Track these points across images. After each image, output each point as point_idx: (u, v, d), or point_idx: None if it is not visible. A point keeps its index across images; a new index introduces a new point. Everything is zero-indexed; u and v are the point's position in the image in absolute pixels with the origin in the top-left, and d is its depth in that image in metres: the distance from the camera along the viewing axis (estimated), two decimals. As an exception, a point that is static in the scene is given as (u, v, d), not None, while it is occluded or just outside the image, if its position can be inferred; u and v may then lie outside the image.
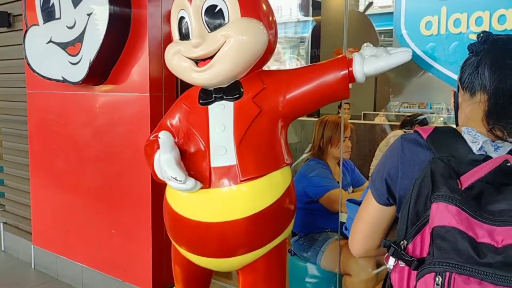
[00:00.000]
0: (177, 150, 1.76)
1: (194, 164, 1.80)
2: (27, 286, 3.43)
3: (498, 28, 1.67)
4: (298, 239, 2.67)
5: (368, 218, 1.06)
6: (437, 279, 0.80)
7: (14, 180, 3.95)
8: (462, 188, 0.83)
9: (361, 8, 7.58)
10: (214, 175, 1.78)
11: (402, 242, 0.89)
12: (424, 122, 3.86)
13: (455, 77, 1.82)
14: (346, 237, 2.54)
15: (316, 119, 3.12)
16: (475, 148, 0.90)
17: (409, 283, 0.88)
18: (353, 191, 2.73)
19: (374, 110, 6.59)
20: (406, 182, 0.95)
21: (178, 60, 1.85)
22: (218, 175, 1.78)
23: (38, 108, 3.42)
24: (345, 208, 2.39)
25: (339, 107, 4.37)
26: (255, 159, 1.79)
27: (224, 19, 1.77)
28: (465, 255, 0.78)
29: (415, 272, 0.87)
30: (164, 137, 1.69)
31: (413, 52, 1.79)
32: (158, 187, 2.72)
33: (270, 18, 1.88)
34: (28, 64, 3.04)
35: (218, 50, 1.75)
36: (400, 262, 0.89)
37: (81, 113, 3.10)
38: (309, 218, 2.62)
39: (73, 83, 2.80)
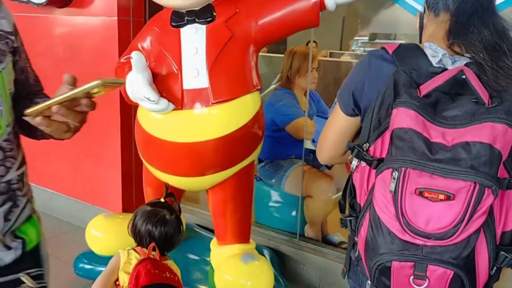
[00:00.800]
0: (149, 71, 1.78)
1: (166, 86, 1.83)
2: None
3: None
4: (264, 165, 2.79)
5: (335, 128, 1.16)
6: (394, 174, 0.91)
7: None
8: (421, 96, 0.93)
9: None
10: (186, 97, 1.82)
11: (364, 145, 1.00)
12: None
13: (420, 7, 1.91)
14: (309, 163, 2.69)
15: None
16: (434, 61, 0.99)
17: (369, 180, 1.00)
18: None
19: (340, 50, 6.69)
20: (371, 94, 1.04)
21: (150, -20, 1.83)
22: (190, 97, 1.83)
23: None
24: (310, 135, 2.52)
25: (307, 44, 4.42)
26: (226, 82, 1.85)
27: None
28: (419, 152, 0.89)
29: (374, 171, 0.98)
30: (136, 57, 1.70)
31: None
32: (127, 111, 2.74)
33: None
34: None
35: (191, -30, 1.74)
36: (361, 162, 1.00)
37: (43, 37, 3.01)
38: (275, 145, 2.73)
39: (37, 4, 2.71)
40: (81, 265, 2.40)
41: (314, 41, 4.24)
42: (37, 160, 3.28)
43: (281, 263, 2.52)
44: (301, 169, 2.63)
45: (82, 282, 2.44)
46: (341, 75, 4.57)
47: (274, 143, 2.72)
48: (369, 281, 1.00)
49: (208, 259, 2.32)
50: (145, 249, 1.66)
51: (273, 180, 2.79)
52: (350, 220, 1.05)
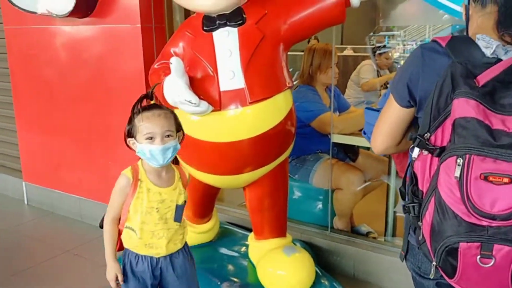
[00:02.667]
0: (187, 76, 1.84)
1: (203, 89, 1.89)
2: (23, 221, 3.52)
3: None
4: (291, 161, 2.84)
5: (390, 119, 1.22)
6: (458, 160, 0.97)
7: (-4, 119, 3.91)
8: (479, 86, 0.99)
9: None
10: (224, 98, 1.88)
11: (425, 134, 1.05)
12: (384, 52, 4.22)
13: (441, 0, 1.96)
14: (333, 156, 2.75)
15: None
16: (488, 52, 1.04)
17: (431, 168, 1.05)
18: (339, 115, 2.89)
19: (341, 44, 6.76)
20: (426, 85, 1.10)
21: (181, -13, 1.88)
22: (228, 98, 1.88)
23: (19, 44, 3.34)
24: (336, 129, 2.58)
25: (308, 42, 4.49)
26: (261, 82, 1.91)
27: None
28: (482, 139, 0.95)
29: (436, 159, 1.03)
30: (176, 62, 1.76)
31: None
32: None
33: None
34: (10, 1, 2.94)
35: (222, -24, 1.79)
36: (423, 151, 1.06)
37: (66, 48, 3.07)
38: (301, 141, 2.76)
39: (59, 16, 2.76)
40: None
41: (316, 38, 4.32)
42: (63, 168, 3.36)
43: (314, 255, 2.58)
44: (328, 162, 2.69)
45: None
46: (349, 69, 4.63)
47: (299, 139, 2.75)
48: (434, 263, 1.05)
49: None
50: None
51: (297, 175, 2.85)
52: (413, 206, 1.10)
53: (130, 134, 1.57)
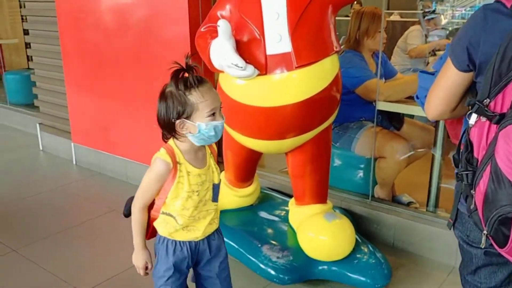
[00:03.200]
0: (234, 39, 1.84)
1: (249, 53, 1.88)
2: (71, 180, 3.68)
3: None
4: (334, 128, 2.81)
5: (447, 84, 1.18)
6: None
7: (47, 82, 4.05)
8: (545, 50, 0.94)
9: None
10: (270, 62, 1.87)
11: (485, 100, 1.02)
12: (432, 18, 4.05)
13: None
14: (377, 125, 2.70)
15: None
16: (556, 13, 0.99)
17: (488, 135, 1.02)
18: (385, 82, 2.82)
19: (388, 9, 6.52)
20: (487, 48, 1.05)
21: (229, -51, 1.85)
22: (274, 62, 1.87)
23: (68, 7, 3.42)
24: (382, 96, 2.53)
25: (351, 6, 4.36)
26: (308, 46, 1.88)
27: None
28: None
29: (495, 126, 1.00)
30: (223, 25, 1.76)
31: None
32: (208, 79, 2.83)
33: None
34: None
35: None
36: (481, 118, 1.02)
37: (113, 12, 3.12)
38: (344, 108, 2.72)
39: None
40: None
41: (359, 2, 4.18)
42: (110, 130, 3.46)
43: (355, 223, 2.58)
44: (372, 130, 2.64)
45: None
46: (396, 35, 4.48)
47: (343, 106, 2.71)
48: (485, 231, 1.04)
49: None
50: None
51: (338, 143, 2.82)
52: (467, 174, 1.08)
53: (181, 115, 1.36)
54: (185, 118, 1.37)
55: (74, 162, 3.92)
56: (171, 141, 1.46)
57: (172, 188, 1.43)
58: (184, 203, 1.45)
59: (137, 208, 1.48)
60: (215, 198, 1.53)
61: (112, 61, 3.25)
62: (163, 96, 1.39)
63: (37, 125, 4.27)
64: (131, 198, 1.53)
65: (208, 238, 1.56)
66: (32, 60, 4.15)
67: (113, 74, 3.28)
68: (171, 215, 1.48)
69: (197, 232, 1.51)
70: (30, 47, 4.14)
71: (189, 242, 1.52)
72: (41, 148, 4.29)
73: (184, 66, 1.37)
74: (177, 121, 1.38)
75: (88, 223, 2.93)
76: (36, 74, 4.16)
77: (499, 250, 1.04)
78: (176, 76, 1.37)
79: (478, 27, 1.08)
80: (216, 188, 1.53)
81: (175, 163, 1.42)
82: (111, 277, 2.30)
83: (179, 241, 1.51)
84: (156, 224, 1.53)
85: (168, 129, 1.41)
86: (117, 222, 2.93)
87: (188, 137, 1.42)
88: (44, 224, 2.90)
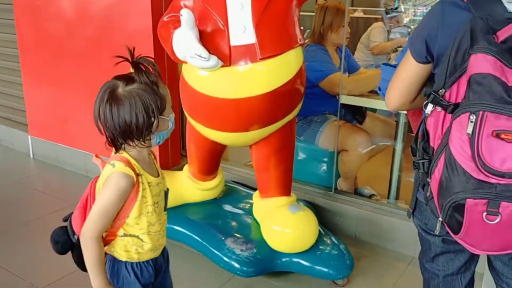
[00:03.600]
0: (197, 29, 1.81)
1: (213, 43, 1.86)
2: (28, 174, 3.55)
3: None
4: (298, 121, 2.83)
5: (407, 76, 1.20)
6: (471, 117, 0.96)
7: (2, 72, 3.89)
8: (498, 42, 0.97)
9: None
10: (234, 53, 1.86)
11: (440, 90, 1.04)
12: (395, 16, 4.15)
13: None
14: (344, 119, 2.74)
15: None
16: (510, 7, 1.02)
17: (443, 124, 1.05)
18: (349, 76, 2.86)
19: (352, 6, 6.62)
20: (445, 41, 1.08)
21: None
22: (238, 54, 1.86)
23: (25, -6, 3.28)
24: (345, 90, 2.56)
25: (316, 1, 4.41)
26: (272, 38, 1.87)
27: None
28: (497, 96, 0.94)
29: (449, 115, 1.02)
30: (186, 14, 1.72)
31: None
32: (173, 70, 2.78)
33: None
34: None
35: None
36: (437, 107, 1.05)
37: (75, 1, 3.02)
38: (308, 101, 2.73)
39: (66, -35, 2.69)
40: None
41: (325, -1, 4.23)
42: (70, 122, 3.36)
43: (318, 215, 2.61)
44: (335, 124, 2.67)
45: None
46: (359, 31, 4.55)
47: (307, 99, 2.72)
48: (440, 218, 1.06)
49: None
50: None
51: (302, 137, 2.84)
52: (423, 163, 1.10)
53: (162, 112, 1.22)
54: (160, 114, 1.22)
55: (31, 156, 3.79)
56: (122, 151, 1.26)
57: (136, 205, 1.24)
58: (150, 218, 1.28)
59: (92, 240, 1.23)
60: (165, 207, 1.38)
61: (72, 51, 3.14)
62: (125, 96, 1.19)
63: (-8, 116, 4.10)
64: (63, 229, 1.33)
65: (163, 248, 1.42)
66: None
67: (72, 65, 3.18)
68: (135, 236, 1.29)
69: (161, 246, 1.38)
70: (-16, 35, 3.96)
71: (153, 259, 1.35)
72: (-5, 141, 4.12)
73: (129, 59, 1.23)
74: (157, 120, 1.20)
75: (45, 218, 2.83)
76: (-10, 64, 3.99)
77: (454, 236, 1.07)
78: (140, 70, 1.22)
79: (436, 20, 1.11)
80: (167, 196, 1.37)
81: (137, 175, 1.23)
82: (69, 274, 2.23)
83: (144, 262, 1.33)
84: (110, 250, 1.32)
85: (131, 135, 1.21)
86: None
87: (152, 138, 1.26)
88: (-1, 219, 2.79)
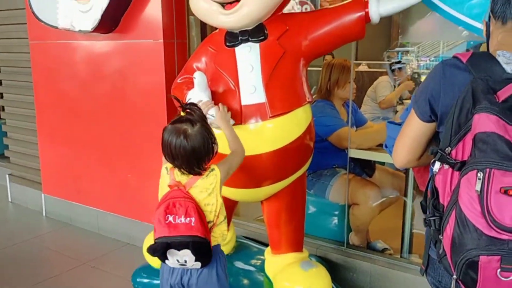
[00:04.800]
0: (209, 90, 1.89)
1: (225, 103, 1.92)
2: (41, 232, 3.57)
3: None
4: (308, 175, 2.85)
5: (412, 134, 1.24)
6: (479, 174, 0.98)
7: (18, 132, 4.01)
8: (499, 101, 1.01)
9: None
10: (245, 112, 1.92)
11: (446, 148, 1.07)
12: (400, 68, 4.27)
13: (460, 16, 1.98)
14: (353, 172, 2.76)
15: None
16: (508, 68, 1.06)
17: (452, 182, 1.07)
18: (356, 130, 2.91)
19: (356, 60, 6.83)
20: (447, 100, 1.12)
21: (205, 3, 1.93)
22: (249, 112, 1.92)
23: (43, 58, 3.44)
24: (353, 144, 2.60)
25: (323, 58, 4.56)
26: (281, 97, 1.94)
27: (250, -36, 1.85)
28: (503, 153, 0.96)
29: (457, 173, 1.05)
30: (199, 77, 1.82)
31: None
32: None
33: (290, -37, 1.97)
34: (33, 13, 3.05)
35: (245, -7, 1.84)
36: (444, 165, 1.08)
37: (89, 62, 3.16)
38: (317, 156, 2.77)
39: (84, 32, 2.84)
40: (139, 279, 2.48)
41: (331, 53, 4.38)
42: (83, 180, 3.42)
43: (330, 270, 2.57)
44: (345, 177, 2.69)
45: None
46: (364, 84, 4.67)
47: (316, 153, 2.77)
48: (454, 276, 1.06)
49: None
50: (177, 170, 1.67)
51: (313, 190, 2.86)
52: (434, 220, 1.11)
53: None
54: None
55: (44, 214, 3.82)
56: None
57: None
58: None
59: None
60: None
61: (87, 110, 3.26)
62: (199, 130, 1.60)
63: (7, 176, 4.17)
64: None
65: None
66: (4, 110, 4.12)
67: (87, 124, 3.28)
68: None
69: None
70: (2, 97, 4.11)
71: None
72: (10, 200, 4.17)
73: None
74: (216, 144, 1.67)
75: (59, 277, 2.83)
76: (7, 124, 4.12)
77: None
78: (191, 110, 1.64)
79: (437, 80, 1.16)
80: None
81: None
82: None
83: None
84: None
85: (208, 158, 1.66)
86: (89, 276, 2.84)
87: None
88: (12, 279, 2.78)
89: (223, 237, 1.72)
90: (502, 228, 0.97)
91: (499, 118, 0.98)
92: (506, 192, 0.97)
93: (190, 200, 1.60)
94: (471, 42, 2.40)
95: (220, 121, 1.81)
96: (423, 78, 4.80)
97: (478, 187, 0.98)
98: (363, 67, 6.62)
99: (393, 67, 4.45)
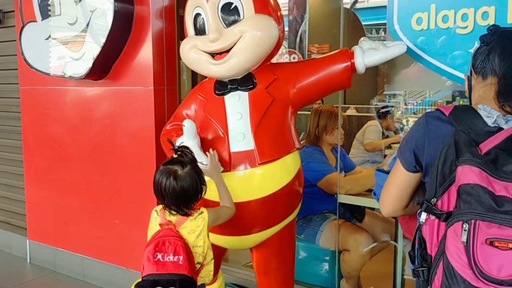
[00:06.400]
0: (199, 138, 1.91)
1: (214, 150, 1.94)
2: (24, 280, 3.47)
3: (481, 23, 1.90)
4: (298, 220, 2.84)
5: (398, 184, 1.26)
6: (464, 226, 0.99)
7: (4, 176, 3.96)
8: (482, 154, 1.03)
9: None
10: (234, 159, 1.94)
11: (432, 199, 1.09)
12: (387, 113, 4.44)
13: (443, 67, 2.05)
14: (343, 217, 2.75)
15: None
16: (489, 121, 1.10)
17: (439, 232, 1.08)
18: (345, 175, 2.93)
19: (344, 103, 6.96)
20: (431, 151, 1.15)
21: (195, 54, 1.99)
22: (238, 159, 1.94)
23: (33, 103, 3.46)
24: (342, 189, 2.61)
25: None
26: (270, 144, 1.96)
27: (239, 16, 1.92)
28: (487, 205, 0.98)
29: (444, 223, 1.06)
30: (188, 124, 1.84)
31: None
32: None
33: (279, 14, 2.05)
34: (25, 60, 3.09)
35: (234, 44, 1.90)
36: (430, 216, 1.09)
37: (79, 108, 3.18)
38: (307, 201, 2.78)
39: (75, 78, 2.88)
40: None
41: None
42: (69, 226, 3.36)
43: (322, 319, 2.53)
44: (335, 223, 2.69)
45: None
46: (353, 128, 4.74)
47: (306, 198, 2.77)
48: None
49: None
50: (167, 210, 1.73)
51: (303, 236, 2.84)
52: (423, 271, 1.11)
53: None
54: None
55: (28, 260, 3.73)
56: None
57: None
58: None
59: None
60: None
61: (75, 154, 3.24)
62: (189, 172, 1.68)
63: (-9, 220, 4.09)
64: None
65: None
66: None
67: (75, 169, 3.26)
68: None
69: None
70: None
71: None
72: (-8, 246, 4.07)
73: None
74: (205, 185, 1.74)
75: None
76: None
77: None
78: (183, 153, 1.72)
79: (421, 132, 1.19)
80: None
81: None
82: None
83: None
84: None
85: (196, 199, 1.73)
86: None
87: None
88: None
89: (210, 277, 1.79)
90: (489, 279, 0.98)
91: (482, 170, 1.01)
92: (491, 243, 0.98)
93: (180, 239, 1.65)
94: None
95: (212, 171, 1.88)
96: (410, 120, 4.92)
97: (464, 238, 0.99)
98: (351, 111, 6.74)
99: (380, 112, 4.57)
